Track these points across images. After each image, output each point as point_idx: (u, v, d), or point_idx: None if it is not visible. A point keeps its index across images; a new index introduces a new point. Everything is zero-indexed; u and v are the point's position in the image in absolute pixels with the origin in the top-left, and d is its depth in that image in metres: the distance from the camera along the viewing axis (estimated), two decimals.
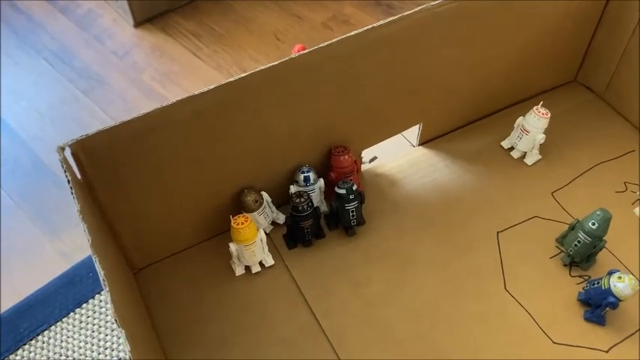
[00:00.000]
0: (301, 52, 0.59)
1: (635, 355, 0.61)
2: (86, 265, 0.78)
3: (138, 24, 1.35)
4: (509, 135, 0.78)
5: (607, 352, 0.61)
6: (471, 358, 0.61)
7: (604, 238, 0.64)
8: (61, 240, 0.94)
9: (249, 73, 0.57)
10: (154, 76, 1.28)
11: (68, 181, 0.50)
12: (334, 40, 0.60)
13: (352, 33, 0.60)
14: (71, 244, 0.94)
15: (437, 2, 0.63)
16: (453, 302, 0.65)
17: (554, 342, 0.62)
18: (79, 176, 0.54)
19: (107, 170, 0.56)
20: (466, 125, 0.82)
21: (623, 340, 0.62)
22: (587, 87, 0.86)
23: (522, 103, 0.83)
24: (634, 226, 0.70)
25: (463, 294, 0.66)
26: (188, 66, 1.33)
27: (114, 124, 0.53)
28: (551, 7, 0.72)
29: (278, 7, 1.52)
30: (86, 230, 0.47)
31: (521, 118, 0.75)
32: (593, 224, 0.63)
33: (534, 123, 0.73)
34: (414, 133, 0.78)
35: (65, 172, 0.50)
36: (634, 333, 0.62)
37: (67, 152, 0.52)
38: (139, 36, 1.35)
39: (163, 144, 0.57)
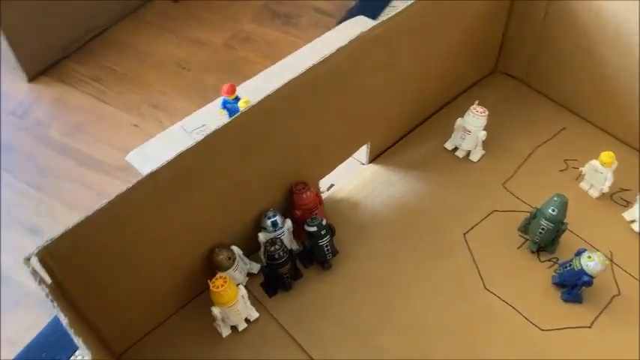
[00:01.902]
0: (249, 106, 0.58)
1: (615, 322, 0.65)
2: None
3: (32, 78, 1.26)
4: (449, 136, 0.81)
5: (590, 327, 0.65)
6: None
7: (565, 220, 0.68)
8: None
9: (203, 138, 0.56)
10: (62, 129, 1.21)
11: (47, 295, 0.46)
12: (280, 86, 0.59)
13: (294, 77, 0.60)
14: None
15: (366, 30, 0.64)
16: (441, 311, 0.66)
17: (542, 329, 0.65)
18: (48, 281, 0.51)
19: (76, 269, 0.53)
20: (408, 134, 0.83)
21: (601, 312, 0.66)
22: (509, 74, 0.90)
23: (455, 101, 0.86)
24: (585, 202, 0.75)
25: (448, 301, 0.67)
26: (95, 113, 1.26)
27: (77, 222, 0.50)
28: (463, 13, 0.75)
29: (175, 36, 1.47)
30: (80, 343, 0.44)
31: (460, 119, 0.78)
32: (553, 210, 0.67)
33: (474, 122, 0.76)
34: (362, 151, 0.78)
35: (40, 283, 0.47)
36: (609, 303, 0.67)
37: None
38: (37, 90, 1.26)
39: (128, 229, 0.55)
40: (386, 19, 0.65)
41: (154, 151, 0.82)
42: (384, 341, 0.64)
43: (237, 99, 0.83)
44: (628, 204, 0.74)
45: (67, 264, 0.51)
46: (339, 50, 0.62)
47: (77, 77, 1.31)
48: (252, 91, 0.88)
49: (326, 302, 0.68)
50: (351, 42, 0.63)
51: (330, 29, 1.50)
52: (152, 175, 0.53)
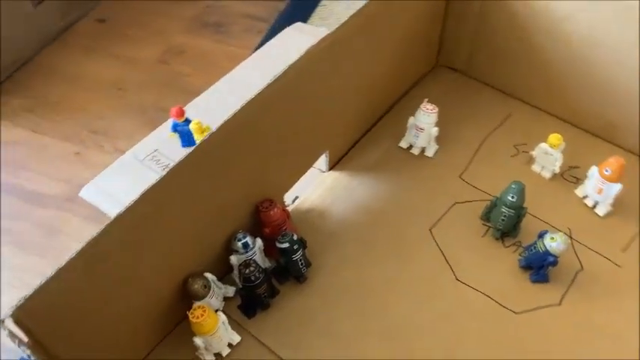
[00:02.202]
0: (209, 134, 0.57)
1: (582, 296, 0.68)
2: None
3: None
4: (402, 135, 0.82)
5: (560, 304, 0.68)
6: (457, 355, 0.64)
7: (524, 205, 0.71)
8: None
9: (168, 172, 0.56)
10: (1, 168, 1.16)
11: (28, 356, 0.45)
12: (238, 109, 0.59)
13: (250, 98, 0.60)
14: None
15: (315, 43, 0.64)
16: (419, 310, 0.68)
17: (516, 312, 0.68)
18: (25, 339, 0.49)
19: (54, 323, 0.51)
20: (362, 137, 0.84)
21: (568, 289, 0.69)
22: (451, 68, 0.92)
23: (402, 100, 0.88)
24: (539, 184, 0.78)
25: (424, 298, 0.69)
26: (33, 146, 1.22)
27: (50, 276, 0.49)
28: (403, 13, 0.77)
29: (105, 56, 1.43)
30: None
31: (411, 118, 0.80)
32: (512, 197, 0.70)
33: (425, 120, 0.78)
34: (321, 160, 0.79)
35: (20, 346, 0.46)
36: (574, 278, 0.70)
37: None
38: None
39: (101, 274, 0.54)
40: (332, 32, 0.65)
41: (109, 185, 0.80)
42: (368, 347, 0.65)
43: (187, 121, 0.81)
44: (578, 180, 0.78)
45: (43, 319, 0.50)
46: (291, 66, 0.62)
47: (9, 110, 1.25)
48: (201, 111, 0.87)
49: (306, 316, 0.68)
50: (302, 57, 0.63)
51: (262, 33, 1.50)
52: (119, 218, 0.52)
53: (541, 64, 0.81)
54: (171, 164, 0.81)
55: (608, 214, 0.75)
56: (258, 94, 0.60)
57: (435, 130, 0.79)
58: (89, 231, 0.50)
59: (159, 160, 0.84)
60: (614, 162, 0.71)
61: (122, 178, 0.81)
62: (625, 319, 0.67)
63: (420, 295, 0.69)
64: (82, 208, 1.16)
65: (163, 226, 0.58)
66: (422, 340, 0.66)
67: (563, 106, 0.84)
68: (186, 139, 0.84)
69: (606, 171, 0.72)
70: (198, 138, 0.82)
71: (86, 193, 0.79)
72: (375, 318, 0.67)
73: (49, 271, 0.48)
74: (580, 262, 0.71)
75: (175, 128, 0.83)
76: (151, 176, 0.80)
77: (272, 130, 0.66)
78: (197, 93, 0.96)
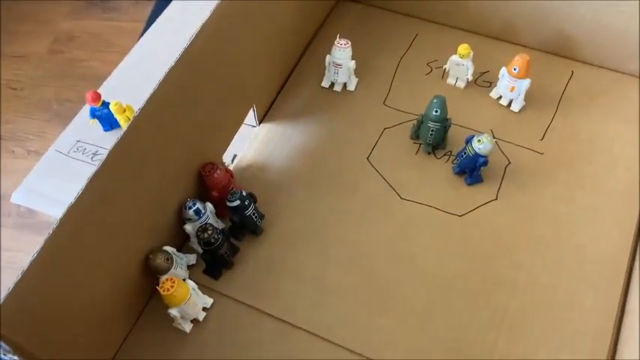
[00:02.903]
0: (137, 113, 0.57)
1: (514, 187, 0.74)
2: None
3: None
4: (322, 75, 0.84)
5: (497, 198, 0.74)
6: (417, 267, 0.69)
7: (448, 117, 0.75)
8: None
9: (105, 158, 0.55)
10: None
11: None
12: (160, 82, 0.59)
13: (169, 69, 0.59)
14: None
15: (219, 3, 0.64)
16: (373, 234, 0.72)
17: (460, 215, 0.73)
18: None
19: (28, 326, 0.51)
20: (284, 85, 0.86)
21: (501, 183, 0.75)
22: (353, 0, 0.94)
23: (314, 40, 0.90)
24: (456, 94, 0.82)
25: (376, 222, 0.73)
26: None
27: (15, 282, 0.48)
28: None
29: None
30: None
31: (328, 56, 0.81)
32: (436, 111, 0.74)
33: (342, 55, 0.80)
34: (250, 115, 0.80)
35: (5, 354, 0.46)
36: (504, 173, 0.76)
37: None
38: None
39: (60, 276, 0.54)
40: None
41: (40, 185, 0.77)
42: (335, 277, 0.69)
43: (105, 104, 0.79)
44: (491, 84, 0.83)
45: (17, 325, 0.49)
46: (201, 30, 0.62)
47: None
48: (117, 91, 0.85)
49: (271, 265, 0.71)
50: (211, 16, 0.63)
51: (152, 2, 1.45)
52: (69, 213, 0.51)
53: None
54: (100, 150, 0.80)
55: (522, 109, 0.81)
56: (176, 62, 0.60)
57: (352, 64, 0.81)
58: (23, 238, 0.49)
59: (84, 149, 0.82)
60: (520, 59, 0.76)
61: (52, 176, 0.79)
62: (554, 199, 0.73)
63: (372, 219, 0.73)
64: (16, 217, 1.12)
65: (113, 212, 0.58)
66: (380, 260, 0.70)
67: (464, 18, 0.88)
68: (108, 122, 0.82)
69: (514, 69, 0.77)
70: (120, 119, 0.81)
71: (18, 198, 0.76)
72: (334, 252, 0.71)
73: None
74: (507, 157, 0.77)
75: (94, 114, 0.81)
76: (81, 167, 0.79)
77: (198, 94, 0.66)
78: (98, 77, 0.93)
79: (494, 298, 0.67)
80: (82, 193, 0.53)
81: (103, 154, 0.55)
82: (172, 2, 0.99)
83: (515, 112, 0.81)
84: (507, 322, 0.65)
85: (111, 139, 0.57)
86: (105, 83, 0.88)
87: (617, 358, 0.63)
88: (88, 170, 0.53)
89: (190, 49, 0.61)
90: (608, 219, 0.72)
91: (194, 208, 0.68)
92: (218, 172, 0.70)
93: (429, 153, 0.78)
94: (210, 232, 0.66)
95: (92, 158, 0.81)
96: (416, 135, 0.78)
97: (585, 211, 0.72)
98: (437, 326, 0.65)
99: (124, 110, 0.79)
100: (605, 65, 0.84)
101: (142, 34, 0.94)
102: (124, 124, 0.79)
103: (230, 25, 0.67)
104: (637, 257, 0.69)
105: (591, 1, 0.77)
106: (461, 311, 0.66)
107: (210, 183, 0.70)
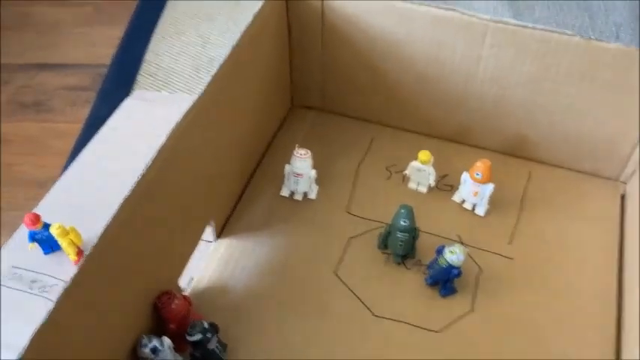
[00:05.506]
0: (93, 247, 0.51)
1: (489, 297, 0.72)
2: None
3: None
4: (280, 183, 0.81)
5: (473, 310, 0.71)
6: None
7: (416, 226, 0.72)
8: None
9: (55, 305, 0.49)
10: None
11: None
12: (117, 210, 0.54)
13: (128, 194, 0.54)
14: None
15: (178, 122, 0.61)
16: (346, 355, 0.67)
17: (437, 331, 0.69)
18: None
19: None
20: (242, 195, 0.82)
21: (476, 293, 0.72)
22: (307, 106, 0.93)
23: (270, 148, 0.88)
24: (419, 200, 0.81)
25: (348, 343, 0.68)
26: None
27: None
28: (252, 71, 0.77)
29: None
30: None
31: (287, 165, 0.78)
32: (404, 222, 0.71)
33: (302, 165, 0.77)
34: (207, 230, 0.75)
35: None
36: (477, 282, 0.73)
37: None
38: None
39: None
40: (194, 103, 0.62)
41: None
42: None
43: (46, 226, 0.72)
44: (452, 187, 0.82)
45: None
46: (160, 151, 0.58)
47: None
48: (58, 211, 0.78)
49: None
50: (171, 135, 0.59)
51: (90, 102, 1.40)
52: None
53: (389, 88, 0.85)
54: (41, 277, 0.73)
55: (487, 213, 0.80)
56: (134, 188, 0.55)
57: (313, 173, 0.79)
58: None
59: (21, 276, 0.74)
60: (481, 165, 0.76)
61: None
62: (531, 307, 0.71)
63: (345, 342, 0.68)
64: None
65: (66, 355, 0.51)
66: None
67: (419, 121, 0.88)
68: (48, 245, 0.74)
69: (477, 175, 0.76)
70: (63, 242, 0.73)
71: None
72: None
73: None
74: (478, 265, 0.75)
75: (34, 237, 0.73)
76: (17, 297, 0.71)
77: (153, 221, 0.61)
78: (35, 183, 0.86)
79: None
80: (32, 339, 0.46)
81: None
82: (119, 109, 0.94)
83: (481, 217, 0.80)
84: None
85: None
86: (43, 201, 0.80)
87: None
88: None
89: (148, 175, 0.57)
90: (588, 325, 0.70)
91: (150, 346, 0.61)
92: (176, 301, 0.64)
93: (399, 263, 0.75)
94: None
95: (30, 287, 0.72)
96: (384, 245, 0.75)
97: (563, 318, 0.70)
98: None
99: (68, 233, 0.72)
100: (561, 165, 0.85)
101: (80, 137, 0.88)
102: (67, 248, 0.72)
103: (190, 143, 0.64)
104: None
105: (546, 105, 0.79)
106: None
107: (167, 315, 0.64)
